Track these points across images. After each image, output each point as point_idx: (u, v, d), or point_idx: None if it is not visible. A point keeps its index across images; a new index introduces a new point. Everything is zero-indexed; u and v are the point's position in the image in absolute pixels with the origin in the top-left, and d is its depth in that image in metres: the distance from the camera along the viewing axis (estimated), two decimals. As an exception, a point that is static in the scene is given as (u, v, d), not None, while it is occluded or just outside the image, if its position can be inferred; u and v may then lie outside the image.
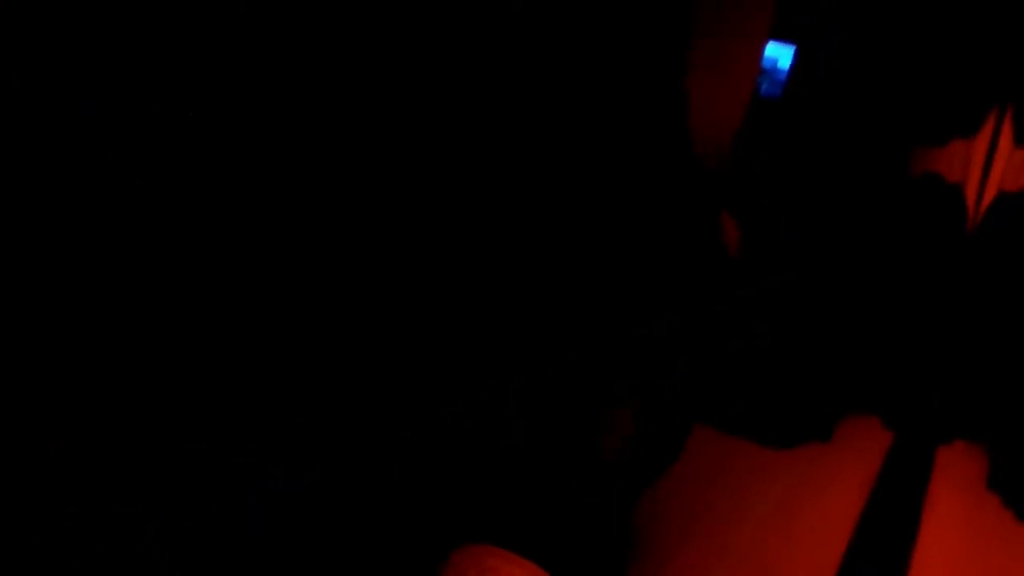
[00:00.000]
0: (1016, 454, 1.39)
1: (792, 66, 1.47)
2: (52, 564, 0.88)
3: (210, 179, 1.06)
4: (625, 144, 1.23)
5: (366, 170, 1.12)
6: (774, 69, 1.48)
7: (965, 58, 1.45)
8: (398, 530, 0.98)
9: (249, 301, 1.06)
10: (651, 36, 1.25)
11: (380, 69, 1.08)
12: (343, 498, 0.99)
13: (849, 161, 1.47)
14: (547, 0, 1.11)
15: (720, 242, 1.39)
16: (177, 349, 1.01)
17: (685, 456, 1.41)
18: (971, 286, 1.44)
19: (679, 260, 1.38)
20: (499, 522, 0.99)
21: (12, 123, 1.02)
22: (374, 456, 1.01)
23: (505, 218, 1.20)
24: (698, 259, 1.41)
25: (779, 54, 1.48)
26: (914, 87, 1.46)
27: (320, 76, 1.07)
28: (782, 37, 1.49)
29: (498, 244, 1.21)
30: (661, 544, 1.23)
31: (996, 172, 1.46)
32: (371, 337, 1.13)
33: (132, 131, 0.99)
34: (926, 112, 1.47)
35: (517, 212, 1.21)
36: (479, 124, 1.12)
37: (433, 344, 1.17)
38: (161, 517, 0.93)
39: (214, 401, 1.01)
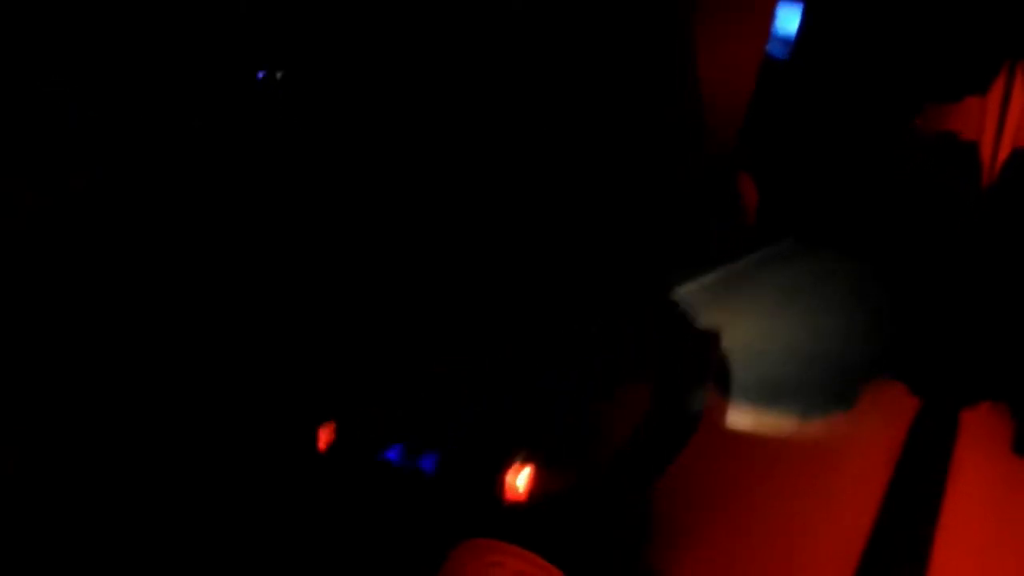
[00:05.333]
0: (1042, 417, 1.38)
1: (800, 26, 1.43)
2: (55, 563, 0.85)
3: (209, 182, 1.04)
4: (634, 121, 1.21)
5: (364, 170, 1.10)
6: (782, 30, 1.44)
7: (976, 14, 1.42)
8: (397, 526, 0.95)
9: (246, 303, 1.04)
10: (653, 16, 1.22)
11: (380, 69, 1.06)
12: (341, 495, 0.96)
13: (860, 121, 1.44)
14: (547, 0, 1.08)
15: (737, 207, 1.36)
16: (175, 353, 0.98)
17: (701, 432, 1.38)
18: (989, 245, 1.42)
19: (695, 226, 1.34)
20: (502, 514, 0.96)
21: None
22: (370, 451, 0.99)
23: (514, 207, 1.17)
24: (714, 225, 1.38)
25: (787, 14, 1.44)
26: (925, 45, 1.43)
27: (319, 76, 1.05)
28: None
29: (508, 232, 1.18)
30: (678, 523, 1.20)
31: (1010, 129, 1.44)
32: (368, 333, 1.10)
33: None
34: (938, 69, 1.44)
35: (525, 201, 1.18)
36: (479, 123, 1.09)
37: (432, 337, 1.14)
38: (160, 519, 0.90)
39: (211, 404, 0.98)
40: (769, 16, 1.39)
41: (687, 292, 1.34)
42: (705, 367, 1.42)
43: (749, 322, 1.47)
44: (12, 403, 0.87)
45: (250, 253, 1.03)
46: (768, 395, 1.45)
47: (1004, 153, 1.43)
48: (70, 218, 0.96)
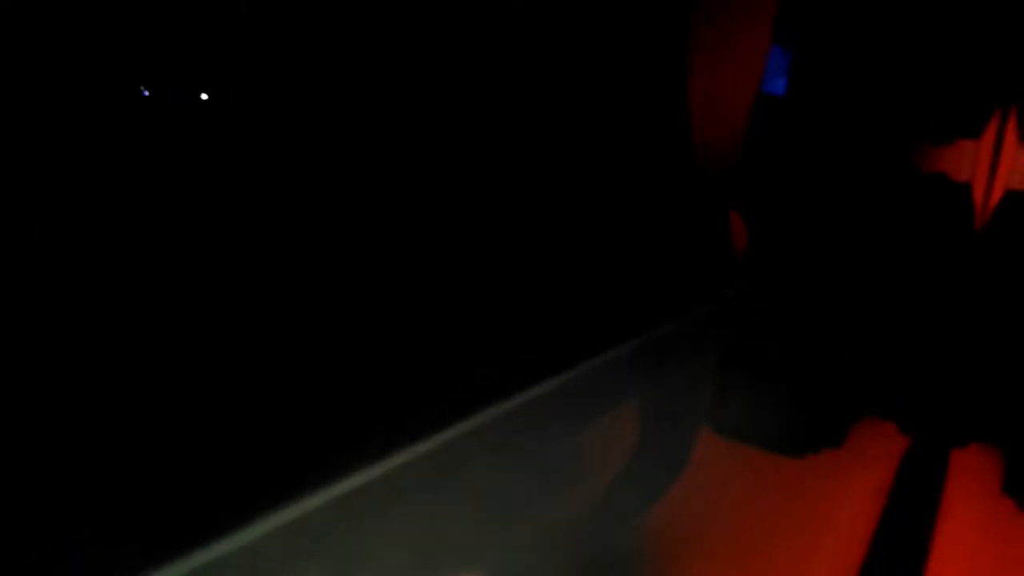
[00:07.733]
0: (1030, 457, 1.37)
1: (796, 65, 1.45)
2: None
3: (211, 180, 1.04)
4: (628, 143, 1.21)
5: (366, 169, 1.10)
6: (777, 68, 1.46)
7: (969, 57, 1.44)
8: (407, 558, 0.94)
9: (246, 303, 1.03)
10: (650, 36, 1.23)
11: (380, 69, 1.06)
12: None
13: (856, 161, 1.45)
14: (547, 0, 1.10)
15: (728, 241, 1.37)
16: (175, 352, 0.98)
17: (695, 468, 1.37)
18: (981, 285, 1.43)
19: (686, 259, 1.35)
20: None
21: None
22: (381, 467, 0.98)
23: (511, 218, 1.18)
24: (705, 258, 1.38)
25: (783, 53, 1.46)
26: (919, 86, 1.45)
27: (321, 76, 1.05)
28: (786, 36, 1.47)
29: (502, 244, 1.18)
30: (672, 558, 1.19)
31: (1003, 171, 1.45)
32: (380, 339, 1.11)
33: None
34: (932, 112, 1.46)
35: (522, 211, 1.18)
36: (480, 124, 1.10)
37: (436, 351, 1.14)
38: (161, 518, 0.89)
39: (217, 409, 0.98)
40: (763, 55, 1.41)
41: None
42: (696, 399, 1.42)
43: (740, 360, 1.47)
44: (12, 403, 0.86)
45: (250, 253, 1.03)
46: (758, 433, 1.45)
47: (997, 195, 1.45)
48: (70, 218, 0.96)
